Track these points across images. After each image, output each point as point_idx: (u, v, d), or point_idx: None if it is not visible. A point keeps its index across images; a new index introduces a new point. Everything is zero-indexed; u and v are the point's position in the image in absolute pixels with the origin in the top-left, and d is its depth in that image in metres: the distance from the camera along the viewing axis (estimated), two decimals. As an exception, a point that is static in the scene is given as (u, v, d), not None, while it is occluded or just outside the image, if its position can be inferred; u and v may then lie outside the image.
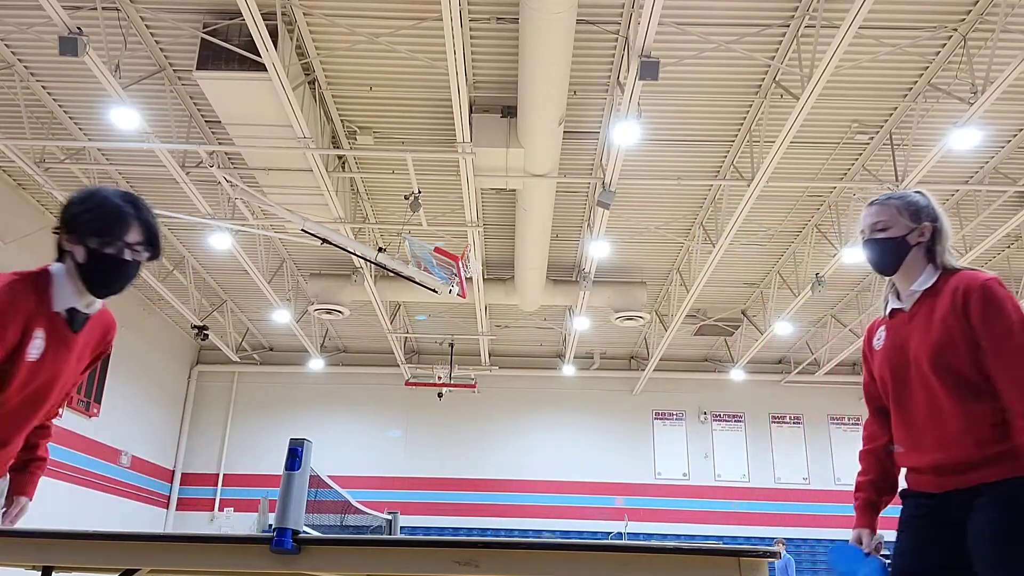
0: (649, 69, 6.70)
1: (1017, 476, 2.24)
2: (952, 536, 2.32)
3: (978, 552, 2.25)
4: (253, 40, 6.86)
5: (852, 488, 2.68)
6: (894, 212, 2.61)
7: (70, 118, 9.21)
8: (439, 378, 15.60)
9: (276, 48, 6.99)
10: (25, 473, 2.56)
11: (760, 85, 8.36)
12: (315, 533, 4.44)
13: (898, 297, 2.60)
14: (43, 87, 8.76)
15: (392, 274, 10.36)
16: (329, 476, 6.65)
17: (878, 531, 2.61)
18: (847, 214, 10.20)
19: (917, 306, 2.52)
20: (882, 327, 2.63)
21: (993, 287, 2.39)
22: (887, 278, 2.66)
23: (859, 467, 2.65)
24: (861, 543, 2.61)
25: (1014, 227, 9.97)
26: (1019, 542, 2.18)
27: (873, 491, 2.61)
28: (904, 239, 2.58)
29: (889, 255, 2.60)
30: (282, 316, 13.51)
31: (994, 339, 2.33)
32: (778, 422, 16.76)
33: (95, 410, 13.14)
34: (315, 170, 8.90)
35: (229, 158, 9.69)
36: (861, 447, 2.67)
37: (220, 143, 9.24)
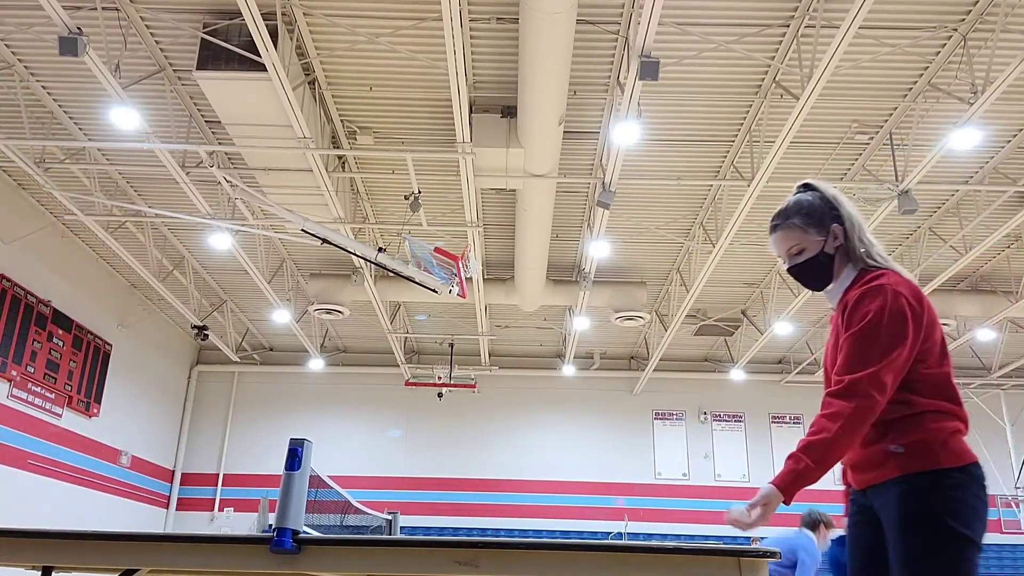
0: (649, 69, 6.70)
1: (904, 474, 2.27)
2: (876, 530, 2.36)
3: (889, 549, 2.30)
4: (253, 40, 6.86)
5: None
6: (800, 231, 2.55)
7: (70, 118, 9.21)
8: (439, 378, 15.59)
9: (276, 48, 6.99)
10: None
11: (760, 85, 8.36)
12: (315, 533, 4.44)
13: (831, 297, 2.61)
14: (43, 87, 8.76)
15: (392, 274, 10.36)
16: (329, 476, 6.66)
17: None
18: (847, 214, 10.18)
19: (838, 307, 2.52)
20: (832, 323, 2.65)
21: (868, 292, 2.35)
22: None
23: None
24: None
25: (1014, 227, 9.96)
26: (913, 538, 2.20)
27: None
28: (823, 254, 2.53)
29: (817, 275, 2.57)
30: (282, 316, 13.50)
31: (845, 336, 2.35)
32: (778, 422, 16.76)
33: (95, 410, 13.14)
34: (315, 170, 8.90)
35: (229, 158, 9.69)
36: None
37: (220, 143, 9.24)
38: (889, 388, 2.27)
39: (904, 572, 2.20)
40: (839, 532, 7.04)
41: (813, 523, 7.24)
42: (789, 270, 2.60)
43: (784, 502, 2.22)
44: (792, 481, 2.23)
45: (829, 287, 2.57)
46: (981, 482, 2.27)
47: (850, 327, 2.34)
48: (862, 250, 2.48)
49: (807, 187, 2.62)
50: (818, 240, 2.52)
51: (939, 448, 2.26)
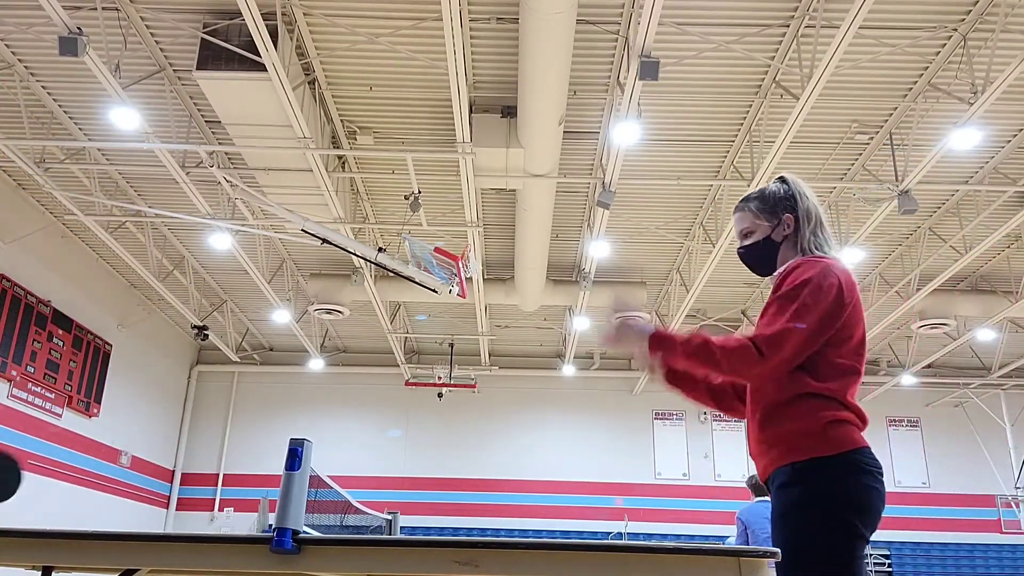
0: (649, 69, 6.71)
1: (781, 465, 2.28)
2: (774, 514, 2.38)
3: None
4: (253, 40, 6.86)
5: None
6: (752, 215, 2.60)
7: (70, 118, 9.21)
8: (439, 378, 15.59)
9: (276, 48, 6.99)
10: None
11: (760, 85, 8.36)
12: (315, 533, 4.44)
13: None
14: (43, 87, 8.76)
15: (392, 274, 10.36)
16: (329, 476, 6.66)
17: None
18: (847, 214, 10.20)
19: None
20: None
21: (796, 269, 2.38)
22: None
23: None
24: None
25: (1014, 227, 9.96)
26: (785, 532, 2.22)
27: None
28: (769, 239, 2.57)
29: (760, 259, 2.60)
30: (282, 316, 13.51)
31: (768, 300, 2.38)
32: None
33: (95, 410, 13.15)
34: (315, 170, 8.90)
35: (229, 158, 9.69)
36: None
37: (220, 143, 9.24)
38: (786, 351, 2.25)
39: (782, 564, 2.18)
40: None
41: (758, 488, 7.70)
42: (738, 252, 2.66)
43: (646, 349, 2.31)
44: (664, 341, 2.31)
45: (774, 274, 2.59)
46: (865, 468, 2.22)
47: (775, 292, 2.37)
48: (812, 241, 2.50)
49: (781, 180, 2.65)
50: (767, 226, 2.56)
51: (818, 436, 2.24)
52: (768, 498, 7.31)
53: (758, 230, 2.58)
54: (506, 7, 7.27)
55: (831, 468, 2.22)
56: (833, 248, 2.53)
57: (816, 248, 2.49)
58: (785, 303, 2.30)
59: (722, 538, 14.85)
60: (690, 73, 8.09)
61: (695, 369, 2.31)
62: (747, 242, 2.61)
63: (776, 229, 2.55)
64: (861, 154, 9.48)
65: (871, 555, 15.36)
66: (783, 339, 2.25)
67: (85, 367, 12.80)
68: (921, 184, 8.96)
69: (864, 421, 2.33)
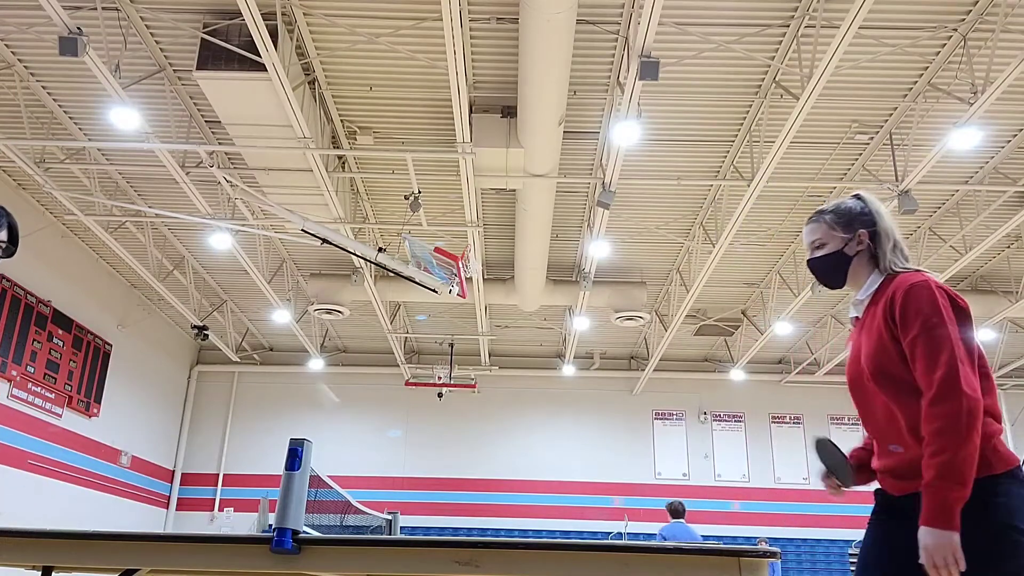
0: (649, 69, 6.70)
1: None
2: (904, 534, 2.28)
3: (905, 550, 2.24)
4: (253, 40, 6.85)
5: (852, 488, 2.70)
6: (826, 227, 2.62)
7: (70, 118, 9.21)
8: (439, 378, 15.59)
9: (276, 48, 6.99)
10: None
11: (760, 85, 8.36)
12: (315, 533, 4.44)
13: (856, 303, 2.60)
14: (43, 87, 8.76)
15: (392, 274, 10.36)
16: (329, 476, 6.66)
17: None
18: (847, 214, 10.18)
19: (865, 314, 2.51)
20: (850, 337, 2.64)
21: (915, 288, 2.34)
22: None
23: None
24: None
25: (1014, 227, 9.96)
26: (975, 546, 2.12)
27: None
28: (841, 252, 2.58)
29: (831, 271, 2.62)
30: (282, 316, 13.51)
31: (911, 341, 2.29)
32: (778, 422, 16.76)
33: (95, 410, 13.14)
34: (315, 170, 8.90)
35: (229, 158, 9.69)
36: None
37: (220, 143, 9.24)
38: (974, 377, 2.22)
39: None
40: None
41: (682, 511, 9.02)
42: (808, 262, 2.67)
43: (954, 530, 2.11)
44: (952, 514, 2.11)
45: (856, 293, 2.59)
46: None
47: (909, 326, 2.31)
48: (892, 259, 2.51)
49: (857, 197, 2.66)
50: (841, 239, 2.58)
51: (990, 453, 2.21)
52: (683, 520, 8.00)
53: (831, 242, 2.59)
54: (506, 7, 7.27)
55: (1006, 484, 2.20)
56: (908, 264, 2.53)
57: (895, 267, 2.50)
58: (936, 338, 2.26)
59: (722, 538, 14.85)
60: (690, 73, 8.09)
61: (967, 481, 2.16)
62: (819, 253, 2.62)
63: (850, 243, 2.57)
64: (861, 154, 9.48)
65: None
66: (964, 367, 2.22)
67: (85, 367, 12.80)
68: (921, 184, 8.96)
69: (1001, 421, 2.35)
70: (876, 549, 2.39)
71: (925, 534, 2.11)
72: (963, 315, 2.33)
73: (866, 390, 2.46)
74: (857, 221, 2.58)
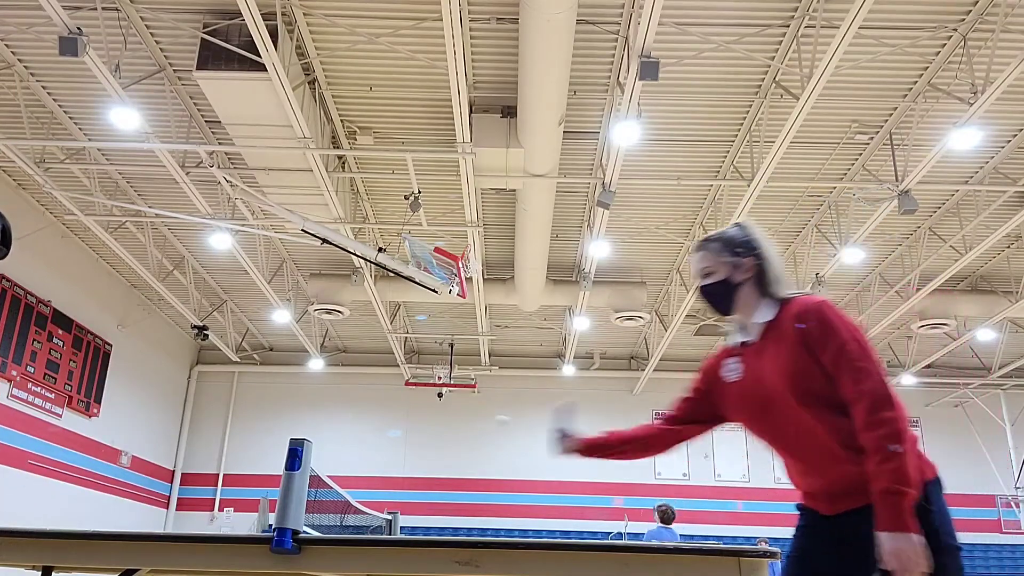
0: (649, 69, 6.70)
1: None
2: (845, 550, 2.32)
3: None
4: (253, 40, 6.85)
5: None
6: (714, 256, 2.69)
7: (70, 118, 9.21)
8: (439, 378, 15.59)
9: (276, 48, 6.99)
10: None
11: (760, 85, 8.36)
12: (315, 533, 4.44)
13: (745, 329, 2.64)
14: (43, 87, 8.76)
15: (392, 274, 10.36)
16: (329, 476, 6.66)
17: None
18: (847, 214, 10.20)
19: (763, 338, 2.55)
20: (732, 358, 2.66)
21: (824, 309, 2.43)
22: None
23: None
24: None
25: (1014, 227, 9.96)
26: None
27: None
28: (728, 280, 2.65)
29: (720, 298, 2.69)
30: (282, 316, 13.51)
31: (833, 358, 2.35)
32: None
33: (95, 410, 13.14)
34: (315, 170, 8.90)
35: (229, 158, 9.69)
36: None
37: (220, 143, 9.24)
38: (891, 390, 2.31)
39: None
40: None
41: (671, 515, 9.07)
42: (700, 289, 2.75)
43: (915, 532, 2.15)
44: (910, 515, 2.16)
45: (746, 320, 2.64)
46: (943, 488, 2.34)
47: (828, 343, 2.38)
48: (778, 286, 2.60)
49: (738, 226, 2.75)
50: (727, 267, 2.65)
51: (919, 460, 2.26)
52: (670, 526, 8.17)
53: (719, 270, 2.67)
54: (506, 7, 7.27)
55: (936, 490, 2.29)
56: (796, 291, 2.63)
57: (781, 292, 2.59)
58: (853, 351, 2.34)
59: (722, 538, 14.84)
60: (690, 73, 8.09)
61: (915, 483, 2.22)
62: (708, 281, 2.70)
63: (735, 272, 2.64)
64: (861, 154, 9.48)
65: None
66: (884, 377, 2.31)
67: (85, 367, 12.80)
68: (921, 184, 8.96)
69: None
70: (818, 561, 2.40)
71: (888, 540, 2.13)
72: (860, 325, 2.43)
73: (781, 413, 2.47)
74: (742, 249, 2.66)
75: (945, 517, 2.26)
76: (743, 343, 2.63)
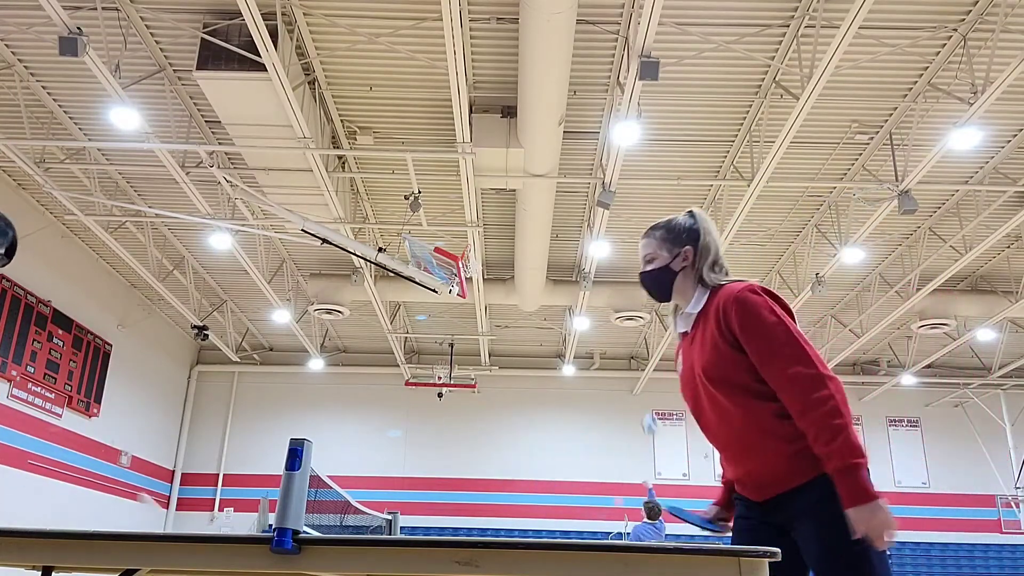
0: (649, 69, 6.70)
1: (821, 474, 2.26)
2: (781, 538, 2.37)
3: (810, 556, 2.30)
4: (253, 40, 6.85)
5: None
6: (656, 243, 2.77)
7: (70, 118, 9.21)
8: (439, 378, 15.59)
9: (276, 48, 6.99)
10: None
11: (760, 85, 8.36)
12: (315, 533, 4.44)
13: (684, 318, 2.68)
14: (43, 87, 8.76)
15: (392, 274, 10.36)
16: (329, 476, 6.66)
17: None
18: (847, 214, 10.20)
19: (695, 327, 2.60)
20: (680, 350, 2.72)
21: (745, 296, 2.43)
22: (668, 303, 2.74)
23: None
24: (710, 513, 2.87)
25: (1014, 227, 9.96)
26: (841, 537, 2.21)
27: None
28: (667, 268, 2.71)
29: (656, 285, 2.74)
30: (282, 316, 13.51)
31: (757, 346, 2.37)
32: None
33: (95, 410, 13.14)
34: (315, 170, 8.90)
35: (229, 158, 9.69)
36: None
37: (220, 143, 9.24)
38: (821, 358, 2.33)
39: (831, 568, 2.22)
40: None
41: (657, 511, 9.63)
42: (639, 275, 2.80)
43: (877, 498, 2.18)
44: (868, 485, 2.19)
45: (682, 308, 2.68)
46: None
47: (748, 329, 2.39)
48: (711, 275, 2.62)
49: (690, 214, 2.80)
50: (666, 256, 2.71)
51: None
52: (655, 521, 8.60)
53: (659, 258, 2.73)
54: (506, 7, 7.27)
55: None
56: (731, 278, 2.64)
57: (714, 281, 2.60)
58: (774, 333, 2.36)
59: (722, 538, 14.84)
60: (690, 73, 8.09)
61: (864, 451, 2.23)
62: (648, 268, 2.75)
63: (675, 259, 2.69)
64: (861, 154, 9.48)
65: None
66: (810, 352, 2.33)
67: (85, 367, 12.80)
68: (921, 184, 8.96)
69: None
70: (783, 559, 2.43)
71: (855, 513, 2.16)
72: (789, 311, 2.44)
73: (709, 401, 2.51)
74: (683, 238, 2.71)
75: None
76: (683, 333, 2.68)
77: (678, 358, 2.72)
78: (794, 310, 11.70)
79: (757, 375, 2.39)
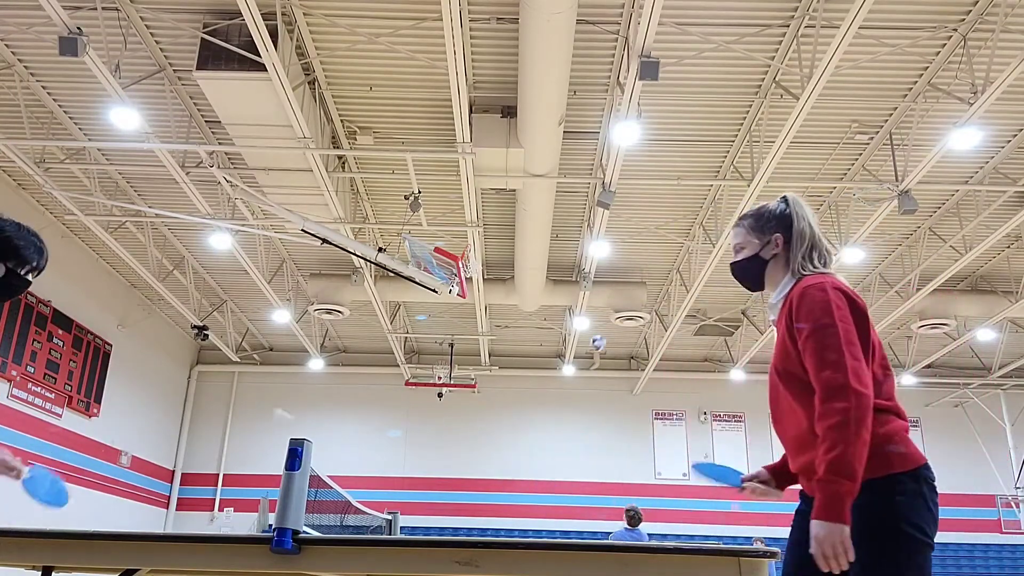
0: (649, 69, 6.70)
1: (867, 479, 2.22)
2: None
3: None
4: (253, 40, 6.85)
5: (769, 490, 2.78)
6: (745, 232, 2.69)
7: (70, 118, 9.21)
8: (439, 378, 15.59)
9: (276, 48, 6.99)
10: None
11: (760, 85, 8.36)
12: (315, 533, 4.44)
13: (773, 306, 2.66)
14: (43, 87, 8.76)
15: (392, 274, 10.36)
16: (329, 476, 6.66)
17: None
18: (847, 214, 10.20)
19: (779, 316, 2.57)
20: None
21: (808, 290, 2.41)
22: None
23: None
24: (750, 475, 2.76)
25: (1014, 227, 9.96)
26: (870, 549, 2.19)
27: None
28: (757, 256, 2.65)
29: (747, 274, 2.71)
30: (282, 316, 13.51)
31: (803, 343, 2.36)
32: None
33: (95, 410, 13.14)
34: (315, 170, 8.90)
35: (229, 158, 9.69)
36: None
37: (220, 143, 9.24)
38: (866, 373, 2.28)
39: None
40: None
41: (638, 519, 9.62)
42: (730, 265, 2.75)
43: (844, 523, 2.17)
44: (842, 507, 2.18)
45: (771, 296, 2.66)
46: (932, 484, 2.29)
47: (801, 326, 2.38)
48: (801, 263, 2.56)
49: (783, 199, 2.70)
50: (756, 243, 2.65)
51: (891, 451, 2.27)
52: (635, 529, 8.65)
53: (748, 246, 2.66)
54: (506, 7, 7.27)
55: (907, 485, 2.25)
56: (829, 268, 2.57)
57: (804, 270, 2.54)
58: (827, 336, 2.32)
59: (722, 538, 14.85)
60: (690, 73, 8.09)
61: (857, 476, 2.20)
62: (738, 257, 2.70)
63: (765, 247, 2.63)
64: (861, 154, 9.48)
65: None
66: (856, 365, 2.28)
67: (85, 367, 12.80)
68: (921, 184, 8.96)
69: (906, 419, 2.40)
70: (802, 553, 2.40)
71: (816, 526, 2.17)
72: (860, 314, 2.37)
73: (774, 393, 2.52)
74: (772, 225, 2.63)
75: (917, 509, 2.22)
76: (772, 320, 2.65)
77: None
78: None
79: None
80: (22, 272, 2.66)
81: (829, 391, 2.24)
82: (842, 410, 2.20)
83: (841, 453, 2.16)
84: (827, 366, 2.27)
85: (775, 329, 2.60)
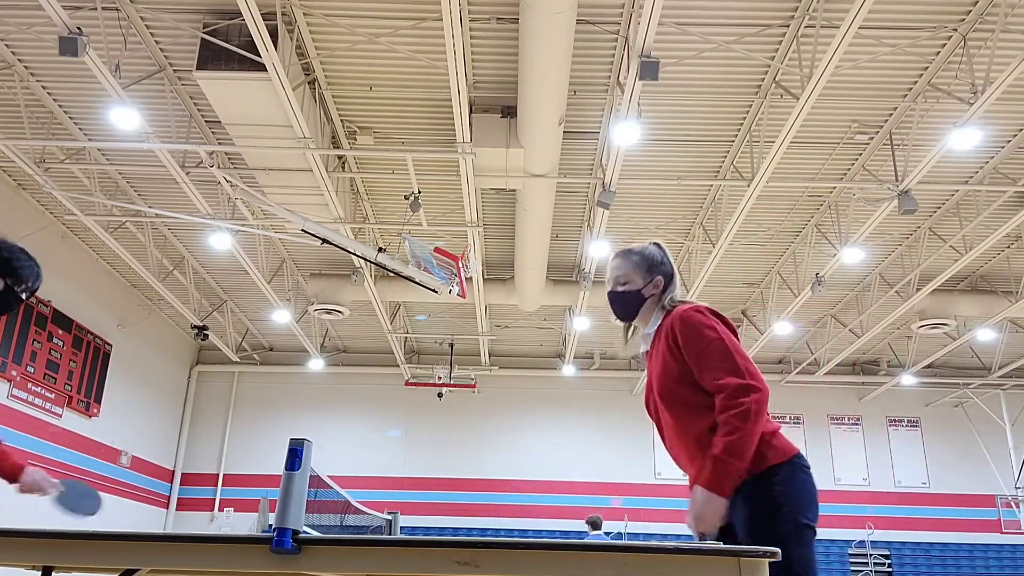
0: (649, 69, 6.71)
1: (744, 480, 2.49)
2: (730, 539, 2.58)
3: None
4: (253, 40, 6.86)
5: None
6: (632, 268, 2.96)
7: (70, 118, 9.21)
8: (439, 378, 15.59)
9: (276, 48, 6.99)
10: None
11: (760, 85, 8.36)
12: (315, 533, 4.44)
13: (645, 338, 2.95)
14: (43, 87, 8.76)
15: (392, 274, 10.36)
16: (329, 476, 6.66)
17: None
18: (847, 214, 10.20)
19: (652, 346, 2.87)
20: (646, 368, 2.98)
21: (688, 315, 2.71)
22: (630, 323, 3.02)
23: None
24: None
25: (1014, 227, 9.96)
26: (767, 531, 2.44)
27: None
28: (640, 292, 2.93)
29: (627, 307, 2.97)
30: (282, 316, 13.51)
31: (696, 358, 2.64)
32: (778, 422, 16.74)
33: (95, 410, 13.14)
34: (315, 170, 8.90)
35: (229, 158, 9.69)
36: None
37: (220, 143, 9.24)
38: (760, 374, 2.61)
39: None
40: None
41: (598, 524, 10.32)
42: (609, 294, 3.01)
43: (725, 497, 2.45)
44: (729, 483, 2.46)
45: (642, 330, 2.96)
46: (806, 470, 2.59)
47: (690, 344, 2.66)
48: (670, 300, 2.89)
49: (657, 245, 3.03)
50: (641, 281, 2.93)
51: (766, 448, 2.55)
52: (600, 533, 9.10)
53: (632, 282, 2.93)
54: (506, 7, 7.27)
55: (783, 473, 2.55)
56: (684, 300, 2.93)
57: (672, 304, 2.87)
58: (715, 348, 2.62)
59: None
60: (690, 73, 8.09)
61: (747, 458, 2.51)
62: (620, 288, 2.96)
63: (647, 286, 2.92)
64: (861, 154, 9.48)
65: (871, 555, 15.36)
66: (748, 366, 2.62)
67: (85, 367, 12.80)
68: (921, 184, 8.96)
69: (774, 422, 2.73)
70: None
71: (701, 493, 2.46)
72: (732, 330, 2.74)
73: (659, 413, 2.79)
74: (657, 268, 2.94)
75: (795, 495, 2.51)
76: (644, 352, 2.94)
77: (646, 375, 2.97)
78: (795, 310, 11.75)
79: (699, 389, 2.62)
80: (18, 290, 2.93)
81: (733, 391, 2.52)
82: (743, 402, 2.50)
83: (739, 437, 2.45)
84: (727, 372, 2.57)
85: (648, 359, 2.89)
